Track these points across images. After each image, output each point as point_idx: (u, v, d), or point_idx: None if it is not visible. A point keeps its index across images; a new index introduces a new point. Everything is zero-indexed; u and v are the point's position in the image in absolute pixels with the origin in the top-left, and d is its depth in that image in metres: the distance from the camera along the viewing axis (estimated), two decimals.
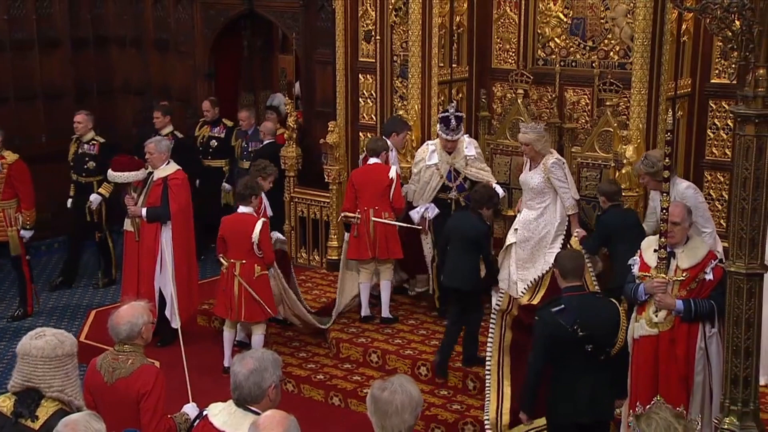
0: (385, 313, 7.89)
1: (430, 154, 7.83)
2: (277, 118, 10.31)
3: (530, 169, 7.34)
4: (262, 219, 7.31)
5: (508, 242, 7.40)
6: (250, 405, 3.84)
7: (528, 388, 5.56)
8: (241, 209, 7.36)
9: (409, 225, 7.89)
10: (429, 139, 8.23)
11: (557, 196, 7.26)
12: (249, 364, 3.83)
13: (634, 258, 5.65)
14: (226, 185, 10.29)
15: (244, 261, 7.21)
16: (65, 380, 3.95)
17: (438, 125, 7.79)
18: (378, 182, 7.71)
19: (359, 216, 7.75)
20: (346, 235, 8.05)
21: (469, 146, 7.82)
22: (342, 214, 7.91)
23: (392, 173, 7.71)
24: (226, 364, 7.36)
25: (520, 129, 7.40)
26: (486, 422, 6.19)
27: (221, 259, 7.39)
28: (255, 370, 3.82)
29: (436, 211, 7.84)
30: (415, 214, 7.91)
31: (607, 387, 5.39)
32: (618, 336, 5.30)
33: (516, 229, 7.38)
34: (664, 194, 5.31)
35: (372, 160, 7.83)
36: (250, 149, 10.09)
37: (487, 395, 6.26)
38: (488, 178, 7.83)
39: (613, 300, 5.47)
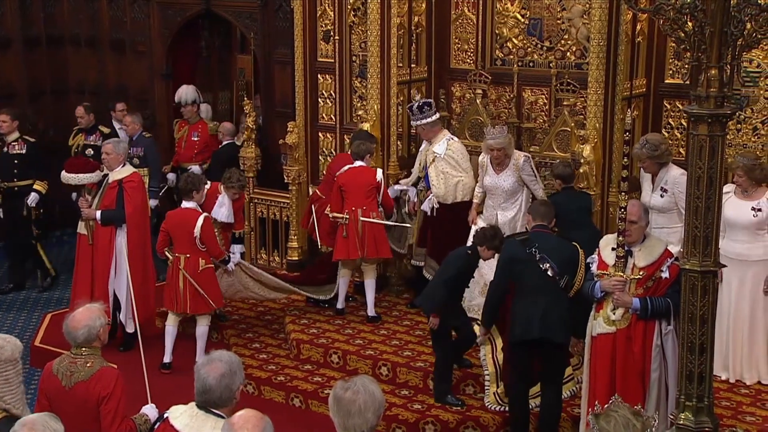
0: (371, 311, 7.92)
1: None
2: (191, 109, 10.20)
3: (498, 173, 7.42)
4: (204, 214, 7.41)
5: None
6: (214, 408, 3.82)
7: (489, 304, 6.20)
8: (185, 204, 7.50)
9: (398, 223, 7.99)
10: (390, 138, 8.36)
11: (524, 192, 7.44)
12: (219, 367, 3.80)
13: (593, 256, 5.72)
14: None
15: (188, 255, 7.32)
16: (4, 386, 3.88)
17: None
18: (365, 184, 7.80)
19: (347, 216, 7.76)
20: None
21: (441, 144, 7.82)
22: (330, 215, 7.91)
23: (379, 176, 7.84)
24: (165, 360, 7.45)
25: (488, 135, 7.40)
26: (487, 403, 6.55)
27: (167, 254, 7.47)
28: (226, 374, 3.80)
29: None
30: (390, 191, 8.09)
31: (561, 310, 5.82)
32: (577, 275, 5.84)
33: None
34: (622, 193, 5.38)
35: (357, 163, 7.89)
36: (133, 155, 9.50)
37: (486, 381, 6.57)
38: (438, 188, 7.72)
39: (576, 244, 5.93)
